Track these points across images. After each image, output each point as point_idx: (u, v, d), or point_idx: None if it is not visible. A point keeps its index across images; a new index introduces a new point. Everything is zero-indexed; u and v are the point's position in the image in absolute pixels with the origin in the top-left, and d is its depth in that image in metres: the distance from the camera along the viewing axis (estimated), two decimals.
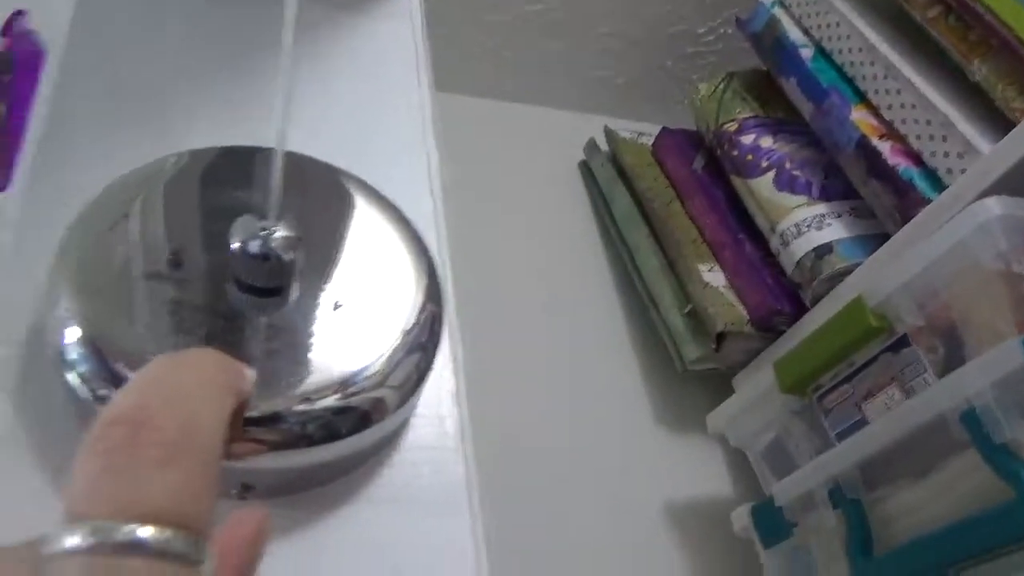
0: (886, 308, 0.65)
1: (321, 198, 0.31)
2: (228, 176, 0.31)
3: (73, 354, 0.25)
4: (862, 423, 0.68)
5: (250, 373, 0.21)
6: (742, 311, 0.89)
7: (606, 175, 1.13)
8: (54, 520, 0.20)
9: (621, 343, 1.01)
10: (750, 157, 0.94)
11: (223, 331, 0.26)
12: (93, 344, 0.26)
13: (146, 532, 0.15)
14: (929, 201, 0.73)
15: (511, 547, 0.72)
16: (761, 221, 0.91)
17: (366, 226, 0.32)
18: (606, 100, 1.26)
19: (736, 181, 0.95)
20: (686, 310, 0.93)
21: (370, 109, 0.42)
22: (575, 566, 0.80)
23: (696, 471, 0.92)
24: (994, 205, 0.57)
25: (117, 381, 0.25)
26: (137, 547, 0.15)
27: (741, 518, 0.77)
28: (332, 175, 0.33)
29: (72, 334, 0.26)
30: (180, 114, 0.37)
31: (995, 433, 0.53)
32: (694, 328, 0.92)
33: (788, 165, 0.91)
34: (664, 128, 1.10)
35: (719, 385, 0.94)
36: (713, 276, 0.93)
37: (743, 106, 1.00)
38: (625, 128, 1.16)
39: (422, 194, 0.38)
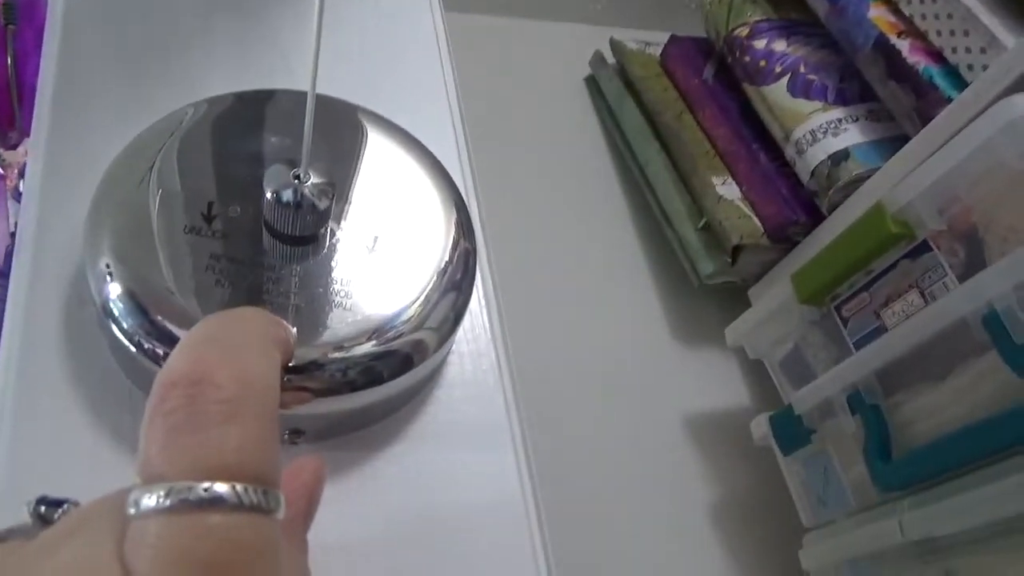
0: (907, 214, 0.64)
1: (346, 139, 0.31)
2: (249, 121, 0.30)
3: (116, 309, 0.26)
4: (881, 330, 0.68)
5: (292, 331, 0.21)
6: (757, 223, 0.88)
7: (614, 89, 1.10)
8: (105, 472, 0.20)
9: (636, 260, 1.01)
10: (763, 63, 0.91)
11: (262, 281, 0.26)
12: (135, 299, 0.26)
13: (221, 488, 0.16)
14: (950, 100, 0.71)
15: (544, 470, 0.75)
16: (775, 130, 0.89)
17: (392, 164, 0.31)
18: (612, 9, 1.22)
19: (749, 89, 0.93)
20: (700, 224, 0.93)
21: (385, 41, 0.41)
22: (604, 482, 0.83)
23: (715, 384, 0.93)
24: (1021, 102, 0.55)
25: (160, 335, 0.25)
26: (214, 503, 0.16)
27: (760, 427, 0.79)
28: (353, 114, 0.32)
29: (114, 290, 0.26)
30: (191, 63, 0.36)
31: (1017, 334, 0.53)
32: (709, 242, 0.92)
33: (803, 69, 0.89)
34: (672, 36, 1.07)
35: (735, 298, 0.94)
36: (727, 189, 0.92)
37: (754, 8, 0.97)
38: (632, 38, 1.12)
39: (444, 127, 0.37)
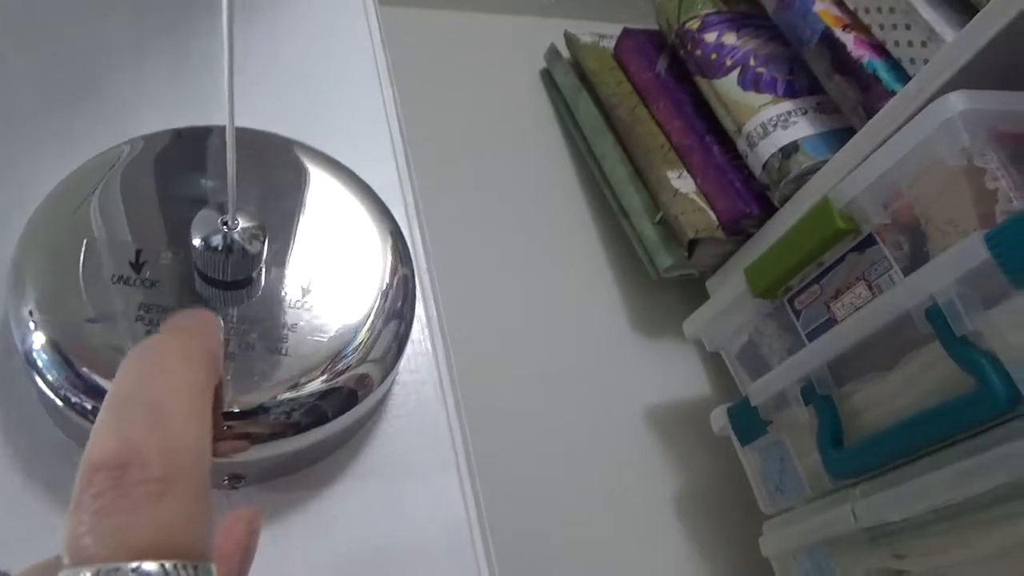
0: (852, 209, 0.65)
1: (279, 176, 0.31)
2: (185, 161, 0.29)
3: (40, 360, 0.25)
4: (831, 322, 0.70)
5: (217, 321, 0.21)
6: (712, 216, 0.89)
7: (568, 83, 1.10)
8: (36, 523, 0.20)
9: (594, 254, 1.02)
10: (714, 56, 0.92)
11: None
12: (59, 350, 0.25)
13: (150, 567, 0.16)
14: (893, 93, 0.73)
15: (503, 471, 0.75)
16: (727, 123, 0.90)
17: (326, 198, 0.31)
18: (566, 1, 1.21)
19: (701, 82, 0.93)
20: (657, 219, 0.93)
21: (320, 60, 0.40)
22: (561, 476, 0.84)
23: (675, 376, 0.95)
24: (956, 101, 0.56)
25: (87, 388, 0.25)
26: None
27: (719, 418, 0.81)
28: (287, 149, 0.32)
29: (38, 339, 0.25)
30: (124, 94, 0.35)
31: (957, 326, 0.55)
32: (666, 236, 0.93)
33: (753, 62, 0.90)
34: (625, 29, 1.07)
35: (693, 290, 0.95)
36: (682, 182, 0.93)
37: (704, 1, 0.97)
38: (587, 31, 1.12)
39: (383, 146, 0.37)
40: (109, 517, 0.16)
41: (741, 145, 0.88)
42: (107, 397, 0.18)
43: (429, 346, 0.33)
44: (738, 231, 0.89)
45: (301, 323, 0.27)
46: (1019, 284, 0.52)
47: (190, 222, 0.26)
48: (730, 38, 0.93)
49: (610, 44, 1.10)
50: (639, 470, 0.87)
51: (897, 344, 0.63)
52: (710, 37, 0.93)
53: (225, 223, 0.25)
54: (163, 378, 0.19)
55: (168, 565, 0.16)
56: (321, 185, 0.31)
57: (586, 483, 0.84)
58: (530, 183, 1.05)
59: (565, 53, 1.13)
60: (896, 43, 0.74)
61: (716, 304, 0.82)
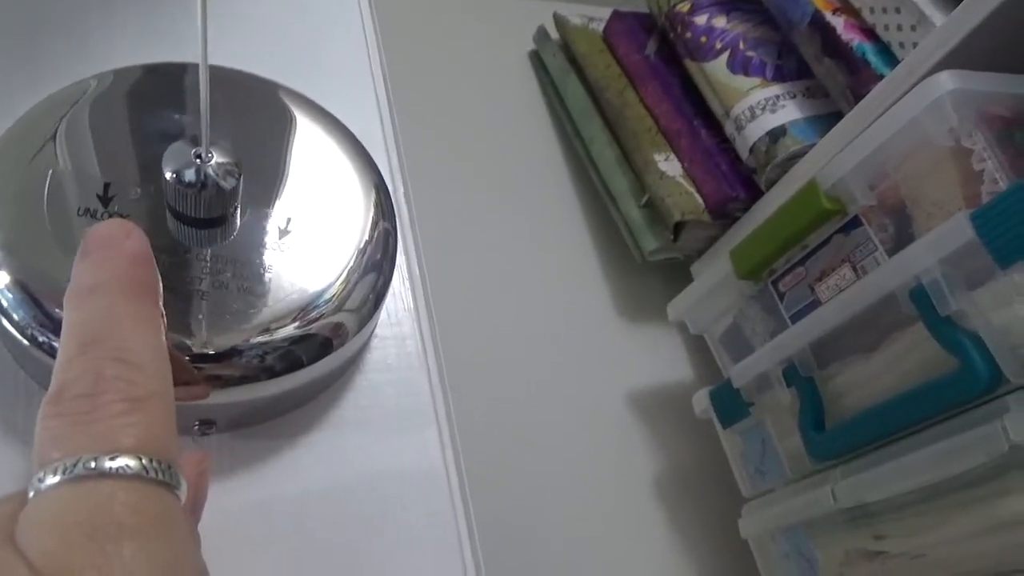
0: (839, 190, 0.65)
1: (259, 117, 0.30)
2: (157, 96, 0.28)
3: (5, 300, 0.24)
4: (815, 304, 0.69)
5: (138, 231, 0.20)
6: (698, 199, 0.89)
7: (557, 65, 1.09)
8: None
9: (580, 236, 1.01)
10: (704, 39, 0.91)
11: (167, 267, 0.25)
12: (26, 289, 0.24)
13: (127, 459, 0.16)
14: (882, 77, 0.72)
15: (483, 444, 0.75)
16: (715, 106, 0.89)
17: (310, 144, 0.30)
18: None
19: (690, 65, 0.93)
20: (643, 201, 0.93)
21: (307, 10, 0.39)
22: (544, 457, 0.83)
23: (658, 359, 0.95)
24: (946, 80, 0.56)
25: (55, 326, 0.24)
26: (120, 473, 0.16)
27: (701, 401, 0.81)
28: (271, 91, 0.30)
29: (2, 279, 0.24)
30: (91, 32, 0.34)
31: (941, 306, 0.55)
32: (651, 219, 0.92)
33: (742, 46, 0.89)
34: (615, 11, 1.06)
35: (678, 273, 0.95)
36: (669, 165, 0.92)
37: None
38: (576, 13, 1.11)
39: (368, 104, 0.36)
40: (82, 425, 0.16)
41: (729, 128, 0.87)
42: (64, 343, 0.18)
43: (411, 302, 0.32)
44: (724, 215, 0.88)
45: (277, 265, 0.26)
46: (1004, 263, 0.52)
47: (162, 157, 0.25)
48: (720, 21, 0.92)
49: (599, 26, 1.09)
50: (619, 450, 0.87)
51: (880, 326, 0.63)
52: (700, 20, 0.93)
53: (199, 156, 0.24)
54: (110, 295, 0.18)
55: (145, 460, 0.16)
56: (305, 130, 0.30)
57: (565, 461, 0.84)
58: (516, 165, 1.04)
59: (554, 34, 1.12)
60: (886, 27, 0.73)
61: (700, 286, 0.82)
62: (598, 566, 0.80)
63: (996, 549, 0.55)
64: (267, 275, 0.26)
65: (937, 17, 0.69)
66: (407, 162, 0.38)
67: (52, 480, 0.15)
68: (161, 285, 0.20)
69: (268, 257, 0.26)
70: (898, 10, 0.72)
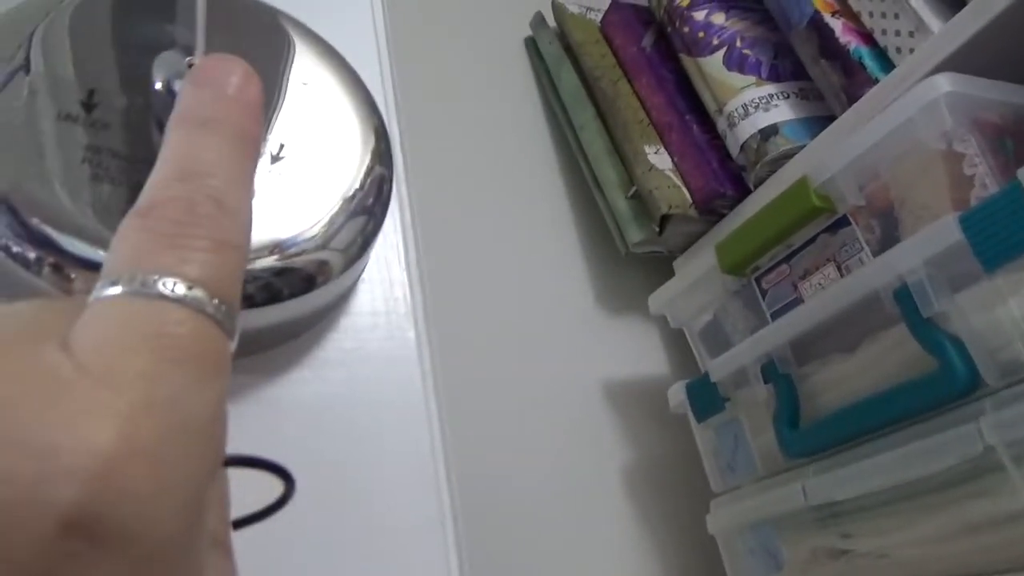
0: (829, 188, 0.65)
1: (257, 39, 0.28)
2: (145, 6, 0.27)
3: None
4: (797, 302, 0.69)
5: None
6: (686, 193, 0.89)
7: (553, 52, 1.08)
8: None
9: (565, 225, 1.00)
10: (701, 34, 0.91)
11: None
12: (3, 198, 0.23)
13: (197, 292, 0.15)
14: (877, 81, 0.73)
15: (452, 427, 0.74)
16: (709, 102, 0.89)
17: (308, 75, 0.29)
18: None
19: (686, 60, 0.93)
20: (630, 192, 0.92)
21: None
22: (516, 443, 0.82)
23: (635, 352, 0.94)
24: (943, 82, 0.56)
25: (32, 236, 0.23)
26: (187, 301, 0.15)
27: (677, 394, 0.80)
28: (269, 15, 0.29)
29: None
30: None
31: (924, 307, 0.55)
32: (638, 210, 0.92)
33: (739, 43, 0.89)
34: (613, 2, 1.06)
35: (660, 268, 0.95)
36: (659, 158, 0.92)
37: None
38: (574, 2, 1.11)
39: (367, 45, 0.35)
40: (169, 247, 0.16)
41: (721, 125, 0.87)
42: (164, 164, 0.17)
43: (401, 249, 0.31)
44: (711, 211, 0.88)
45: (262, 196, 0.25)
46: (989, 267, 0.52)
47: (151, 67, 0.24)
48: (719, 18, 0.92)
49: (597, 16, 1.08)
50: (590, 441, 0.86)
51: (860, 327, 0.63)
52: (699, 15, 0.93)
53: (191, 66, 0.23)
54: (220, 161, 0.18)
55: (216, 300, 0.16)
56: (307, 60, 0.29)
57: (536, 448, 0.83)
58: (505, 148, 1.03)
59: (551, 22, 1.11)
60: (884, 31, 0.74)
61: (683, 280, 0.82)
62: (563, 551, 0.79)
63: (963, 551, 0.55)
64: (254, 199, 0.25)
65: (935, 24, 0.69)
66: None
67: (123, 289, 0.15)
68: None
69: (257, 179, 0.25)
70: (897, 16, 0.72)
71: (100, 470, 0.13)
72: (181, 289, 0.15)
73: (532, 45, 1.14)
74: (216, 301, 0.16)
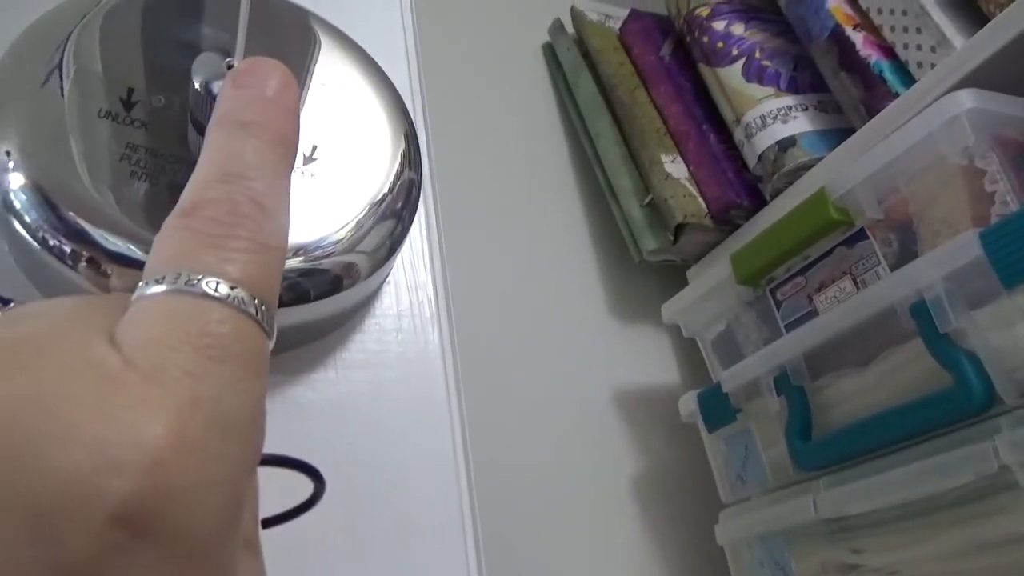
0: (847, 201, 0.65)
1: (294, 43, 0.29)
2: (180, 7, 0.27)
3: (18, 201, 0.23)
4: (812, 314, 0.69)
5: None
6: (701, 203, 0.89)
7: (571, 59, 1.09)
8: None
9: (579, 233, 1.00)
10: (720, 45, 0.91)
11: (183, 180, 0.24)
12: (40, 191, 0.23)
13: (240, 292, 0.16)
14: (897, 95, 0.73)
15: (484, 395, 0.74)
16: (727, 112, 0.89)
17: (342, 77, 0.29)
18: None
19: (704, 69, 0.93)
20: (646, 201, 0.93)
21: None
22: (528, 450, 0.82)
23: (646, 361, 0.94)
24: (965, 98, 0.56)
25: (68, 229, 0.23)
26: (230, 301, 0.15)
27: (688, 404, 0.80)
28: (300, 16, 0.30)
29: (15, 180, 0.23)
30: None
31: (942, 323, 0.55)
32: (653, 219, 0.92)
33: (758, 55, 0.89)
34: (633, 11, 1.06)
35: (673, 278, 0.95)
36: (675, 167, 0.92)
37: None
38: (593, 9, 1.11)
39: (396, 50, 0.35)
40: (212, 247, 0.16)
41: (738, 135, 0.87)
42: (207, 164, 0.18)
43: (427, 252, 0.31)
44: (726, 221, 0.88)
45: (296, 190, 0.25)
46: (1009, 284, 0.52)
47: (189, 69, 0.24)
48: (738, 28, 0.92)
49: (616, 24, 1.09)
50: (601, 450, 0.86)
51: (875, 342, 0.63)
52: (718, 25, 0.93)
53: (231, 67, 0.23)
54: (261, 164, 0.18)
55: (257, 301, 0.16)
56: (338, 63, 0.29)
57: (547, 455, 0.83)
58: (521, 154, 1.03)
59: (570, 29, 1.12)
60: (905, 46, 0.74)
61: (697, 289, 0.81)
62: (574, 555, 0.79)
63: (975, 570, 0.55)
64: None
65: (957, 40, 0.69)
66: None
67: (168, 287, 0.15)
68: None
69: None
70: (919, 30, 0.72)
71: (148, 465, 0.13)
72: (224, 289, 0.15)
73: (550, 51, 1.14)
74: (257, 301, 0.16)
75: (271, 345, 0.17)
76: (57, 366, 0.14)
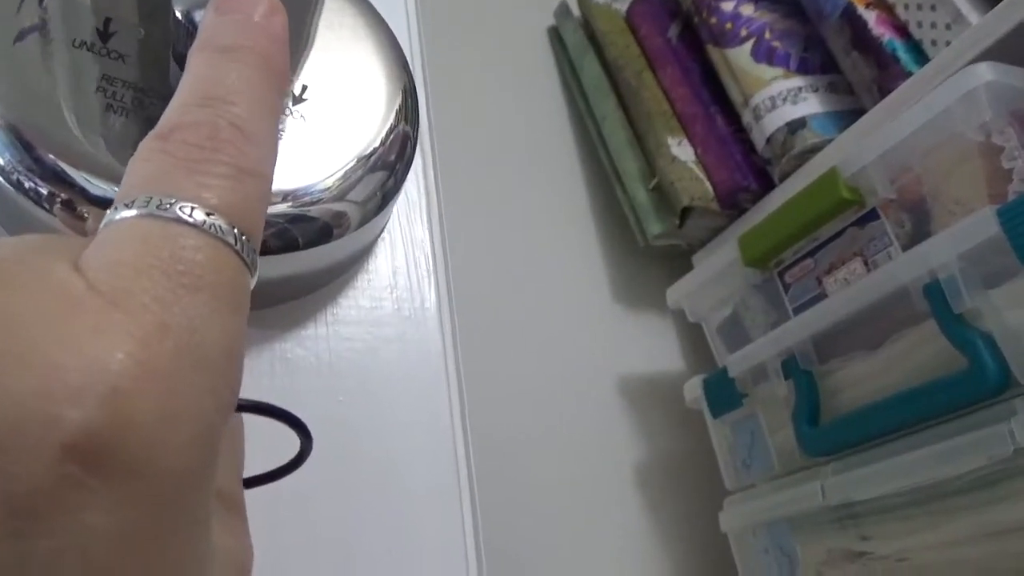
0: (859, 180, 0.64)
1: None
2: None
3: None
4: (821, 297, 0.68)
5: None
6: (708, 187, 0.87)
7: (576, 41, 1.07)
8: None
9: (584, 216, 0.99)
10: (729, 25, 0.89)
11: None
12: (14, 129, 0.22)
13: (217, 219, 0.14)
14: (910, 75, 0.71)
15: (479, 356, 0.72)
16: (735, 93, 0.87)
17: (341, 22, 0.28)
18: None
19: (712, 51, 0.91)
20: (652, 184, 0.91)
21: None
22: (529, 435, 0.81)
23: (651, 346, 0.93)
24: (984, 71, 0.55)
25: (42, 170, 0.22)
26: (206, 229, 0.14)
27: (693, 389, 0.79)
28: None
29: None
30: None
31: (956, 303, 0.53)
32: (658, 202, 0.90)
33: (768, 35, 0.87)
34: None
35: (678, 263, 0.93)
36: (682, 150, 0.91)
37: None
38: None
39: (399, 26, 0.34)
40: (189, 171, 0.15)
41: (746, 117, 0.85)
42: (186, 89, 0.17)
43: (424, 207, 0.30)
44: (733, 205, 0.87)
45: (285, 130, 0.24)
46: None
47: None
48: (747, 9, 0.90)
49: (622, 6, 1.07)
50: (604, 435, 0.85)
51: (886, 324, 0.62)
52: (727, 6, 0.91)
53: None
54: (243, 88, 0.17)
55: (237, 231, 0.15)
56: (338, 7, 0.28)
57: (549, 440, 0.82)
58: (526, 136, 1.02)
59: (576, 11, 1.10)
60: (919, 24, 0.72)
61: (703, 272, 0.80)
62: (575, 542, 0.78)
63: (986, 557, 0.54)
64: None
65: (973, 16, 0.67)
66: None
67: (137, 212, 0.14)
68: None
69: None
70: (933, 7, 0.71)
71: (107, 392, 0.12)
72: (200, 215, 0.14)
73: (555, 34, 1.12)
74: (236, 231, 0.15)
75: (253, 281, 0.16)
76: (13, 289, 0.13)
